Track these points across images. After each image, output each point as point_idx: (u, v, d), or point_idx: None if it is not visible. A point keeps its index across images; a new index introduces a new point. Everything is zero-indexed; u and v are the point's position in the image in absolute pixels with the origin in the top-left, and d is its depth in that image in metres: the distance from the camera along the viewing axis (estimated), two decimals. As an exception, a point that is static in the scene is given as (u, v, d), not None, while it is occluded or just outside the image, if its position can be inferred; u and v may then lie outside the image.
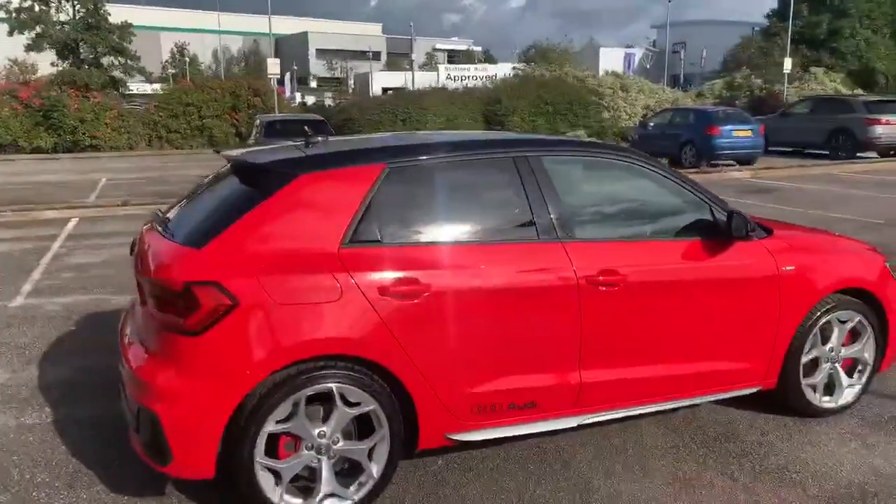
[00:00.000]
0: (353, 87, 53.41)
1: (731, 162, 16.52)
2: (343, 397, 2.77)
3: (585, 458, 3.35)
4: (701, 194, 3.48)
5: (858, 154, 17.55)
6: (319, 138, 3.36)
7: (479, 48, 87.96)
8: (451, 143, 3.30)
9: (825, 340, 3.69)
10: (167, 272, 2.71)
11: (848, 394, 3.81)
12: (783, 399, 3.68)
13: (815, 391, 3.71)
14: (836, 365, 3.75)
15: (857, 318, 3.73)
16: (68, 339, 5.12)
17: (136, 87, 42.20)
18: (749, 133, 16.37)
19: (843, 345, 3.75)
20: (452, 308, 2.89)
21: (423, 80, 39.40)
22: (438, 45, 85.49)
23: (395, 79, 49.86)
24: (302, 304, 2.72)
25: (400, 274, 2.83)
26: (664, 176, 3.47)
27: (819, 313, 3.60)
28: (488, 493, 3.06)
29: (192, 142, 24.45)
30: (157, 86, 45.15)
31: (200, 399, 2.64)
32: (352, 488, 2.85)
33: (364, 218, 2.85)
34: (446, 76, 43.09)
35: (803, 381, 3.66)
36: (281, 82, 33.15)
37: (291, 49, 68.56)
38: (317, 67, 70.93)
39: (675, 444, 3.48)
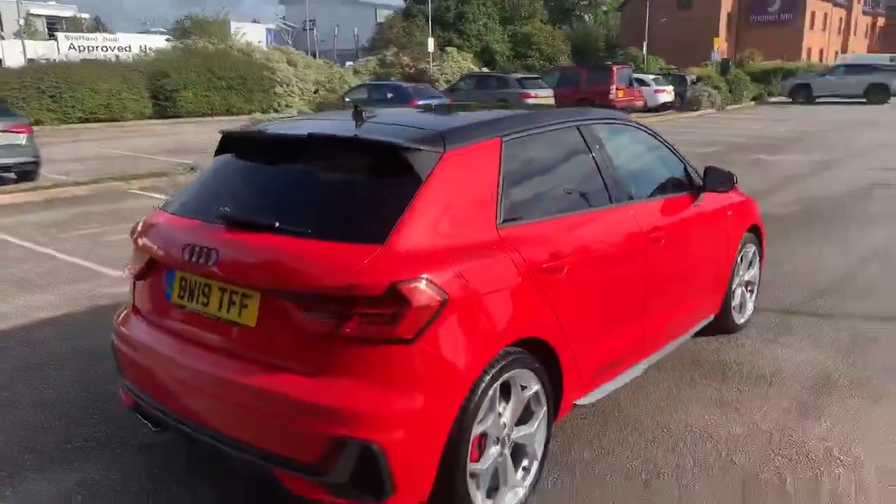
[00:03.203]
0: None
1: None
2: (519, 382, 2.64)
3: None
4: (678, 153, 4.00)
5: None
6: (367, 110, 3.00)
7: (86, 16, 77.82)
8: (532, 115, 3.23)
9: (740, 268, 4.57)
10: (358, 276, 2.22)
11: (750, 308, 4.78)
12: (719, 322, 4.45)
13: (735, 311, 4.58)
14: (744, 288, 4.68)
15: (753, 248, 4.69)
16: None
17: None
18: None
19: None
20: (584, 276, 2.93)
21: (32, 51, 33.79)
22: (34, 10, 73.31)
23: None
24: (493, 291, 2.49)
25: (546, 248, 2.77)
26: (657, 137, 3.90)
27: (741, 246, 4.45)
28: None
29: None
30: None
31: (425, 415, 2.27)
32: (520, 476, 2.74)
33: (503, 195, 2.70)
34: (69, 46, 37.47)
35: (732, 304, 4.49)
36: None
37: None
38: None
39: (665, 376, 4.02)
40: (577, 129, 3.27)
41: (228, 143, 3.07)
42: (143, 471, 3.07)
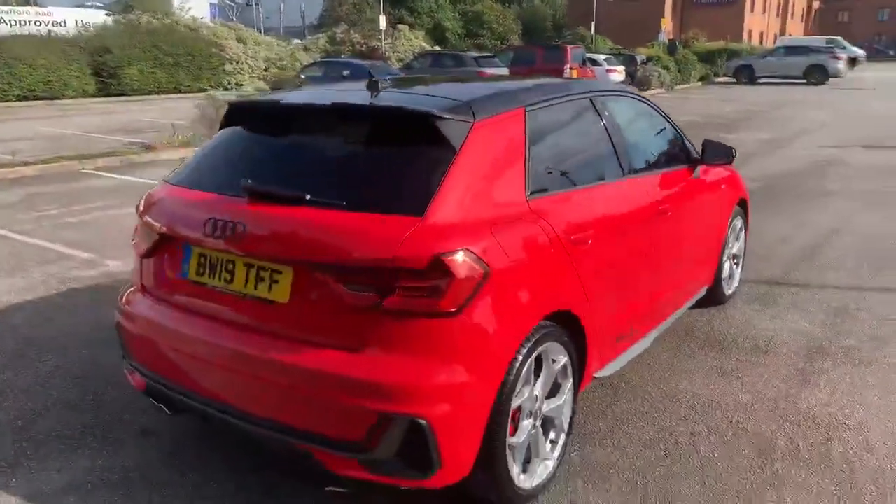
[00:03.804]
0: None
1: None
2: (550, 356, 2.62)
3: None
4: (675, 125, 4.02)
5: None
6: (381, 80, 2.90)
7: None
8: (549, 85, 3.17)
9: (730, 240, 4.65)
10: (401, 248, 2.15)
11: (736, 280, 4.88)
12: (710, 294, 4.53)
13: (724, 282, 4.67)
14: (731, 261, 4.77)
15: (740, 221, 4.79)
16: None
17: None
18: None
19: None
20: (605, 247, 2.92)
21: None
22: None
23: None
24: (530, 263, 2.46)
25: (573, 220, 2.75)
26: (657, 109, 3.91)
27: (731, 219, 4.53)
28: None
29: None
30: None
31: (470, 389, 2.23)
32: (548, 448, 2.73)
33: (530, 165, 2.66)
34: (-2, 20, 35.49)
35: (722, 276, 4.58)
36: None
37: None
38: None
39: (664, 348, 4.08)
40: (590, 100, 3.25)
41: (237, 114, 2.94)
42: (155, 456, 2.95)
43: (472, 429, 2.27)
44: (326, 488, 2.42)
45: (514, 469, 2.49)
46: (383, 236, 2.20)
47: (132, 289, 2.91)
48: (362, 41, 32.15)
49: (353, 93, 2.73)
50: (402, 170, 2.41)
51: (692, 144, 4.07)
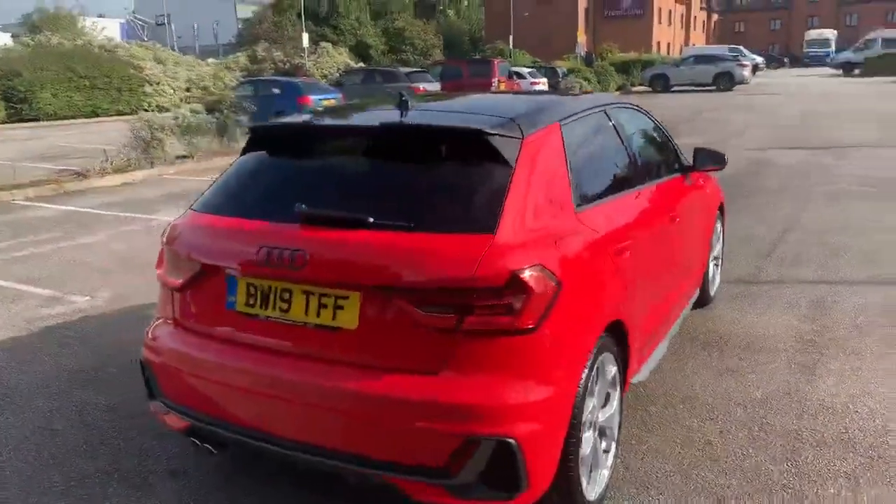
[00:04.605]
0: None
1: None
2: (605, 366, 2.65)
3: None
4: (668, 133, 4.15)
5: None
6: (408, 97, 2.88)
7: None
8: (571, 100, 3.22)
9: (714, 243, 4.83)
10: (480, 267, 2.13)
11: (717, 281, 5.07)
12: (701, 295, 4.68)
13: (710, 284, 4.84)
14: (714, 262, 4.95)
15: (719, 224, 4.98)
16: None
17: None
18: (333, 102, 17.47)
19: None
20: (638, 256, 2.98)
21: None
22: None
23: None
24: (591, 275, 2.50)
25: (614, 230, 2.81)
26: (652, 118, 4.03)
27: (715, 224, 4.71)
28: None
29: None
30: None
31: (552, 405, 2.22)
32: (604, 458, 2.76)
33: (572, 178, 2.70)
34: None
35: (709, 277, 4.75)
36: None
37: None
38: None
39: (668, 351, 4.19)
40: (605, 112, 3.33)
41: (264, 138, 2.86)
42: (188, 500, 2.80)
43: (553, 445, 2.27)
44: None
45: (584, 481, 2.50)
46: (459, 256, 2.17)
47: (160, 323, 2.77)
48: (285, 59, 31.75)
49: (390, 112, 2.69)
50: (463, 188, 2.40)
51: (681, 151, 4.21)
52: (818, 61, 58.79)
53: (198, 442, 2.63)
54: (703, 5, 74.66)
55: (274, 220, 2.45)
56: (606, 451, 2.78)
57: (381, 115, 2.71)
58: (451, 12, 61.49)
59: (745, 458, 3.01)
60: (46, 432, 3.36)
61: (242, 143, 10.34)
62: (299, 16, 34.21)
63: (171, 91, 25.04)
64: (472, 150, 2.45)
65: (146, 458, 3.11)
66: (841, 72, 44.31)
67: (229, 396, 2.48)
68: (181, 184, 10.90)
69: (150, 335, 2.76)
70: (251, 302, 2.43)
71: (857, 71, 42.22)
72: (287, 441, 2.36)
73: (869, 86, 30.99)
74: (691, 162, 4.10)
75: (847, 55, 46.27)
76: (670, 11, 62.92)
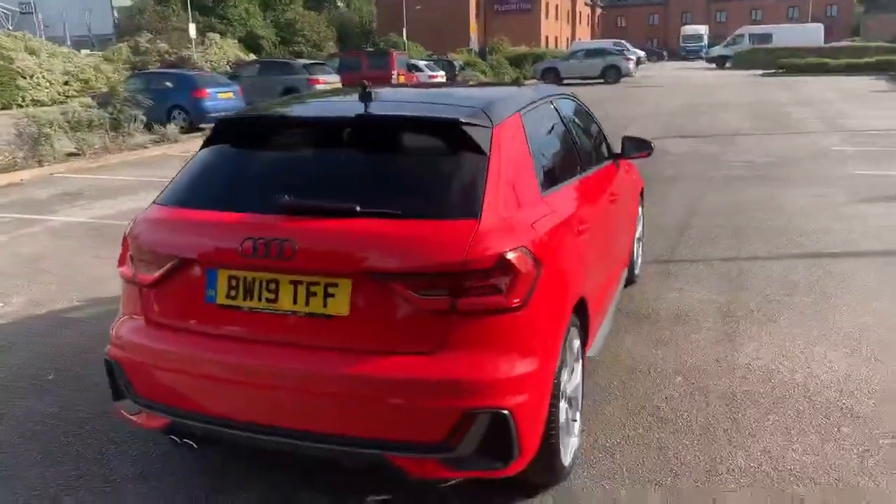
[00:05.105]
0: None
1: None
2: (571, 339, 2.82)
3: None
4: (598, 123, 4.40)
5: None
6: (371, 89, 2.94)
7: None
8: (523, 91, 3.35)
9: (638, 225, 5.15)
10: (471, 251, 2.23)
11: (639, 261, 5.40)
12: (628, 274, 4.98)
13: (634, 264, 5.17)
14: (636, 244, 5.28)
15: (640, 207, 5.31)
16: None
17: None
18: (231, 95, 16.98)
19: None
20: (592, 236, 3.18)
21: None
22: None
23: None
24: (562, 255, 2.66)
25: (574, 213, 2.98)
26: (586, 109, 4.26)
27: (638, 207, 5.03)
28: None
29: None
30: None
31: (538, 376, 2.36)
32: (572, 426, 2.93)
33: (535, 165, 2.84)
34: None
35: (634, 257, 5.07)
36: None
37: None
38: None
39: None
40: (551, 102, 3.50)
41: (231, 129, 2.83)
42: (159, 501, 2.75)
43: (539, 414, 2.42)
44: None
45: (562, 448, 2.66)
46: (448, 241, 2.27)
47: (125, 320, 2.69)
48: (171, 51, 30.35)
49: (358, 103, 2.73)
50: (443, 176, 2.49)
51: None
52: (694, 54, 62.55)
53: (177, 439, 2.58)
54: (588, 1, 77.63)
55: (255, 211, 2.45)
56: (574, 421, 2.96)
57: (351, 105, 2.74)
58: (341, 4, 60.82)
59: (694, 420, 3.28)
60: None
61: (138, 139, 10.22)
62: (185, 5, 32.74)
63: (48, 84, 23.40)
64: (448, 138, 2.54)
65: (108, 463, 3.01)
66: (714, 65, 47.35)
67: (214, 390, 2.46)
68: (75, 182, 10.29)
69: (115, 333, 2.68)
70: (233, 294, 2.42)
71: (728, 64, 45.25)
72: (281, 430, 2.38)
73: (740, 78, 33.32)
74: (619, 150, 4.37)
75: (720, 50, 49.48)
76: (557, 6, 65.00)
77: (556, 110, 3.50)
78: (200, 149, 2.87)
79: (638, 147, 4.38)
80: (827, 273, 5.34)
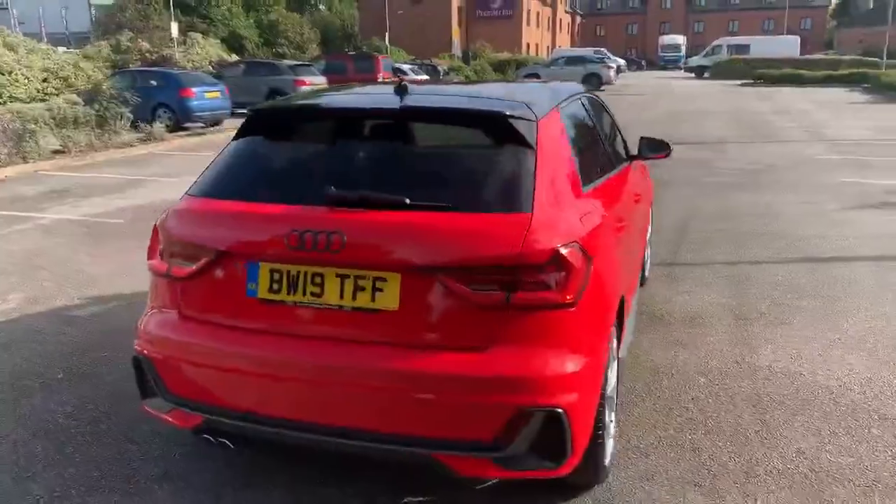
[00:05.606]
0: None
1: (202, 124, 16.66)
2: (612, 337, 2.78)
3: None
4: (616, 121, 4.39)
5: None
6: (406, 83, 2.89)
7: None
8: (557, 87, 3.32)
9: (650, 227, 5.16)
10: (525, 245, 2.18)
11: (649, 263, 5.41)
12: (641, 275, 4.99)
13: (645, 265, 5.17)
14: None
15: (651, 210, 5.32)
16: None
17: None
18: (218, 94, 16.77)
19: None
20: (627, 234, 3.17)
21: None
22: None
23: None
24: (608, 250, 2.62)
25: (611, 209, 2.96)
26: (608, 109, 4.24)
27: (650, 209, 5.04)
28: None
29: None
30: None
31: (590, 374, 2.32)
32: (610, 426, 2.88)
33: (576, 160, 2.81)
34: None
35: (645, 260, 5.07)
36: None
37: None
38: None
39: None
40: (580, 100, 3.47)
41: (262, 121, 2.76)
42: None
43: (590, 413, 2.38)
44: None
45: (607, 448, 2.62)
46: (502, 234, 2.22)
47: (154, 315, 2.60)
48: (153, 50, 29.94)
49: (400, 96, 2.67)
50: (492, 168, 2.44)
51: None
52: (672, 64, 63.34)
53: (212, 438, 2.50)
54: (568, 9, 78.22)
55: (299, 203, 2.38)
56: (611, 421, 2.93)
57: (392, 97, 2.69)
58: (322, 7, 60.59)
59: (723, 421, 3.26)
60: (7, 445, 3.06)
61: (124, 137, 10.08)
62: (167, 4, 32.36)
63: (26, 81, 22.87)
64: (495, 131, 2.50)
65: (130, 463, 2.91)
66: (693, 75, 47.97)
67: (253, 386, 2.38)
68: (62, 180, 10.07)
69: (144, 329, 2.59)
70: (276, 288, 2.35)
71: (706, 74, 45.88)
72: (324, 427, 2.31)
73: (719, 87, 33.77)
74: (636, 151, 4.36)
75: (699, 60, 50.17)
76: (538, 13, 65.36)
77: (584, 108, 3.48)
78: (233, 139, 2.79)
79: (655, 148, 4.37)
80: (830, 277, 5.39)
